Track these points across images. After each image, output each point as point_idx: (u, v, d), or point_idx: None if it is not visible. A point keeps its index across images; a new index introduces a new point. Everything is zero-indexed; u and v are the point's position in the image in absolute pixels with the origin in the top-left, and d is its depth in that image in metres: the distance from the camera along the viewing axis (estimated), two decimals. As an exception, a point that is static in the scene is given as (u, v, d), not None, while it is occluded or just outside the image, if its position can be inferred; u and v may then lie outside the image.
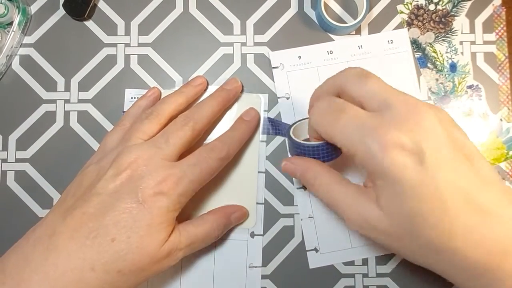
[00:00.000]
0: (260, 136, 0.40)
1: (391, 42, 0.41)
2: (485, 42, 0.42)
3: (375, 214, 0.27)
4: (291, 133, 0.35)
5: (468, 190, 0.25)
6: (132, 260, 0.30)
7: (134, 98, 0.41)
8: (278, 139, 0.41)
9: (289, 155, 0.37)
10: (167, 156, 0.33)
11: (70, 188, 0.34)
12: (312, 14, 0.42)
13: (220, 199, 0.39)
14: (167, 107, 0.36)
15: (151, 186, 0.31)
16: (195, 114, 0.35)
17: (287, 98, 0.41)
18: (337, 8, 0.42)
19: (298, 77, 0.41)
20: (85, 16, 0.41)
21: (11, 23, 0.40)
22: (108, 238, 0.30)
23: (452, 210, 0.25)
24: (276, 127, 0.40)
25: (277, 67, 0.41)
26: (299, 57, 0.41)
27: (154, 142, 0.33)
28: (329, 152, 0.32)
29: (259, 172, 0.40)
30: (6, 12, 0.39)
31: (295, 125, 0.36)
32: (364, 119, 0.27)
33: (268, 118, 0.40)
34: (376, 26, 0.42)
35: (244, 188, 0.40)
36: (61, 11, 0.41)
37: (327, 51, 0.41)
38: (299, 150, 0.33)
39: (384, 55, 0.41)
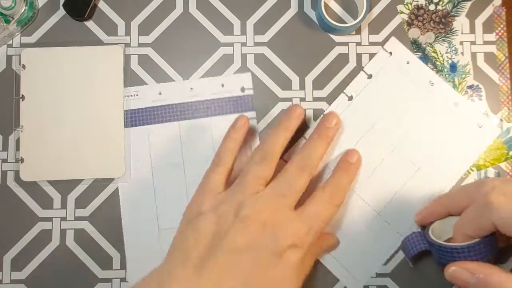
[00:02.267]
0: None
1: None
2: (485, 43, 0.42)
3: None
4: (441, 241, 0.34)
5: None
6: None
7: (132, 96, 0.41)
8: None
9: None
10: (291, 205, 0.33)
11: (185, 238, 0.33)
12: (312, 14, 0.42)
13: (82, 151, 0.40)
14: (278, 147, 0.35)
15: (284, 239, 0.31)
16: (310, 158, 0.35)
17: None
18: (337, 8, 0.42)
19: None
20: (85, 16, 0.41)
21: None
22: None
23: None
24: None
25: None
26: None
27: (278, 190, 0.33)
28: (485, 251, 0.31)
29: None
30: (13, 5, 0.39)
31: (430, 232, 0.35)
32: None
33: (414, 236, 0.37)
34: (376, 27, 0.42)
35: (110, 135, 0.40)
36: (62, 11, 0.42)
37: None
38: (454, 256, 0.32)
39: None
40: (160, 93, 0.41)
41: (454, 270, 0.31)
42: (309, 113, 0.41)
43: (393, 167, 0.40)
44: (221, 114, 0.41)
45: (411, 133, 0.40)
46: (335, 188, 0.36)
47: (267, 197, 0.33)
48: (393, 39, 0.41)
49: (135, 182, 0.40)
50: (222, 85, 0.41)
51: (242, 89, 0.41)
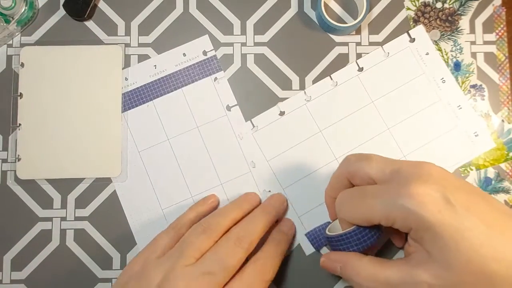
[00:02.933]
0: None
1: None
2: (485, 42, 0.42)
3: (431, 271, 0.27)
4: (327, 231, 0.35)
5: (490, 218, 0.27)
6: None
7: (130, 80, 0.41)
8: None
9: None
10: (219, 284, 0.31)
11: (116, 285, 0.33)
12: (312, 14, 0.42)
13: (80, 151, 0.40)
14: (224, 222, 0.34)
15: None
16: (248, 233, 0.34)
17: None
18: (337, 8, 0.42)
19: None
20: (85, 16, 0.41)
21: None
22: None
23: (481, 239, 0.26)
24: (317, 238, 0.39)
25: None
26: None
27: (206, 267, 0.31)
28: (364, 238, 0.31)
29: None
30: (13, 5, 0.39)
31: (328, 228, 0.36)
32: (386, 189, 0.29)
33: (308, 234, 0.39)
34: (376, 27, 0.42)
35: (107, 135, 0.40)
36: (62, 11, 0.42)
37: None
38: (336, 245, 0.32)
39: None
40: (126, 79, 0.41)
41: (323, 261, 0.33)
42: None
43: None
44: (191, 83, 0.41)
45: (405, 123, 0.40)
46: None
47: (193, 275, 0.31)
48: (420, 27, 0.41)
49: (130, 175, 0.40)
50: (184, 54, 0.41)
51: (204, 53, 0.41)
